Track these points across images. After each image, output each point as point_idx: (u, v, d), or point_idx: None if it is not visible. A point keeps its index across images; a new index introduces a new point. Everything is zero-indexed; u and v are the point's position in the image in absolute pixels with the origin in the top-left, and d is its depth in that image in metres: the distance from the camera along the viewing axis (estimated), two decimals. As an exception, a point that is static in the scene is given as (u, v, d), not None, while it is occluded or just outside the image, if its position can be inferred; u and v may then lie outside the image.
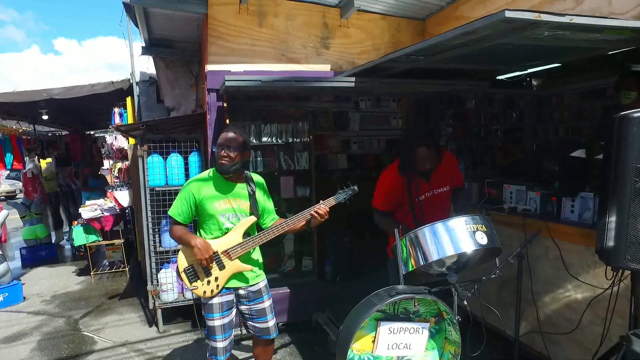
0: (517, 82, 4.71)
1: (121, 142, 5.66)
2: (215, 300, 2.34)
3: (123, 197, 5.39)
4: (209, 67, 3.47)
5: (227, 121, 3.58)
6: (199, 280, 2.31)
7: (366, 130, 5.42)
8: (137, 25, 4.52)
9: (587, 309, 2.50)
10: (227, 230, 2.35)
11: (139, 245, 5.35)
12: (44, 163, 8.34)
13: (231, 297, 2.41)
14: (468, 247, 2.11)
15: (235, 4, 3.54)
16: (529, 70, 3.95)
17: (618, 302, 2.24)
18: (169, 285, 3.80)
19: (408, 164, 2.59)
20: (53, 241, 7.58)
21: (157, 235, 3.94)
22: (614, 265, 1.87)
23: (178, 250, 3.94)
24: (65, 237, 8.39)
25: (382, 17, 3.97)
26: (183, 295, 3.92)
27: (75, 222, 5.80)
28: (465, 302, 2.18)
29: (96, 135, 10.63)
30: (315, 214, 2.31)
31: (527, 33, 1.84)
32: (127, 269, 5.85)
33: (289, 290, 3.86)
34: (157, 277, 3.86)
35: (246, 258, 2.39)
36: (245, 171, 2.44)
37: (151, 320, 4.19)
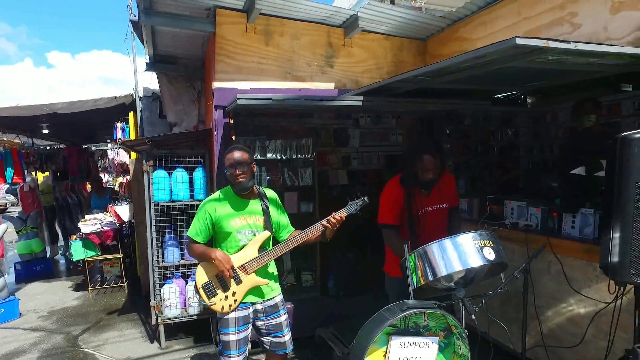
0: (513, 100, 4.84)
1: (123, 156, 5.68)
2: (232, 315, 2.36)
3: (123, 211, 5.38)
4: (216, 85, 3.53)
5: (233, 137, 3.63)
6: (217, 296, 2.34)
7: (366, 147, 5.52)
8: (142, 42, 4.60)
9: (590, 324, 2.55)
10: (243, 247, 2.39)
11: (138, 260, 5.32)
12: (40, 177, 8.31)
13: (247, 312, 2.42)
14: (476, 262, 2.16)
15: (242, 23, 3.63)
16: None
17: (621, 316, 2.30)
18: (172, 300, 3.79)
19: (411, 176, 2.63)
20: (48, 256, 7.50)
21: (160, 250, 3.94)
22: (620, 280, 1.93)
23: (180, 266, 4.00)
24: (60, 252, 8.30)
25: (385, 37, 4.09)
26: (186, 311, 3.91)
27: (74, 237, 5.77)
28: (473, 317, 2.23)
29: (93, 148, 10.63)
30: (329, 224, 2.36)
31: (532, 57, 1.93)
32: (125, 284, 5.79)
33: (292, 306, 3.86)
34: (160, 292, 3.84)
35: (263, 272, 2.43)
36: (258, 187, 2.49)
37: (152, 337, 4.15)
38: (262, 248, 2.42)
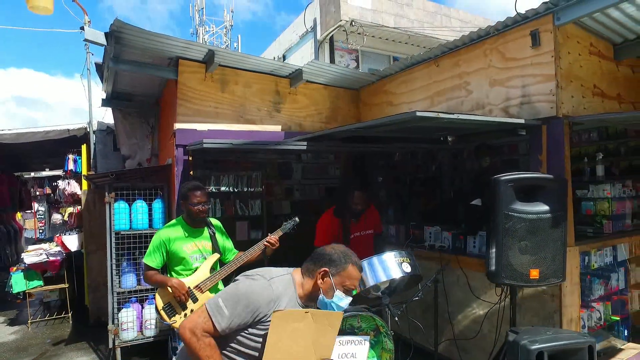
0: (436, 139, 5.70)
1: (74, 187, 5.79)
2: None
3: (71, 241, 5.45)
4: (177, 126, 3.96)
5: (192, 172, 4.05)
6: (177, 315, 2.72)
7: (308, 179, 6.15)
8: (102, 80, 4.91)
9: (484, 321, 3.27)
10: (196, 269, 2.83)
11: (87, 288, 5.38)
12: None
13: None
14: (397, 274, 2.79)
15: (201, 72, 4.13)
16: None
17: (505, 313, 3.03)
18: (130, 323, 4.02)
19: (344, 208, 3.29)
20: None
21: (117, 277, 4.17)
22: (496, 282, 2.64)
23: (136, 291, 4.24)
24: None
25: (325, 87, 4.78)
26: (142, 334, 4.13)
27: (14, 268, 5.67)
28: (397, 318, 2.82)
29: (25, 177, 10.22)
30: (268, 244, 2.89)
31: (432, 121, 2.65)
32: (70, 314, 5.75)
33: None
34: (118, 316, 4.05)
35: (215, 289, 2.87)
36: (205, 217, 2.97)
37: (106, 362, 4.29)
38: (212, 269, 2.88)
